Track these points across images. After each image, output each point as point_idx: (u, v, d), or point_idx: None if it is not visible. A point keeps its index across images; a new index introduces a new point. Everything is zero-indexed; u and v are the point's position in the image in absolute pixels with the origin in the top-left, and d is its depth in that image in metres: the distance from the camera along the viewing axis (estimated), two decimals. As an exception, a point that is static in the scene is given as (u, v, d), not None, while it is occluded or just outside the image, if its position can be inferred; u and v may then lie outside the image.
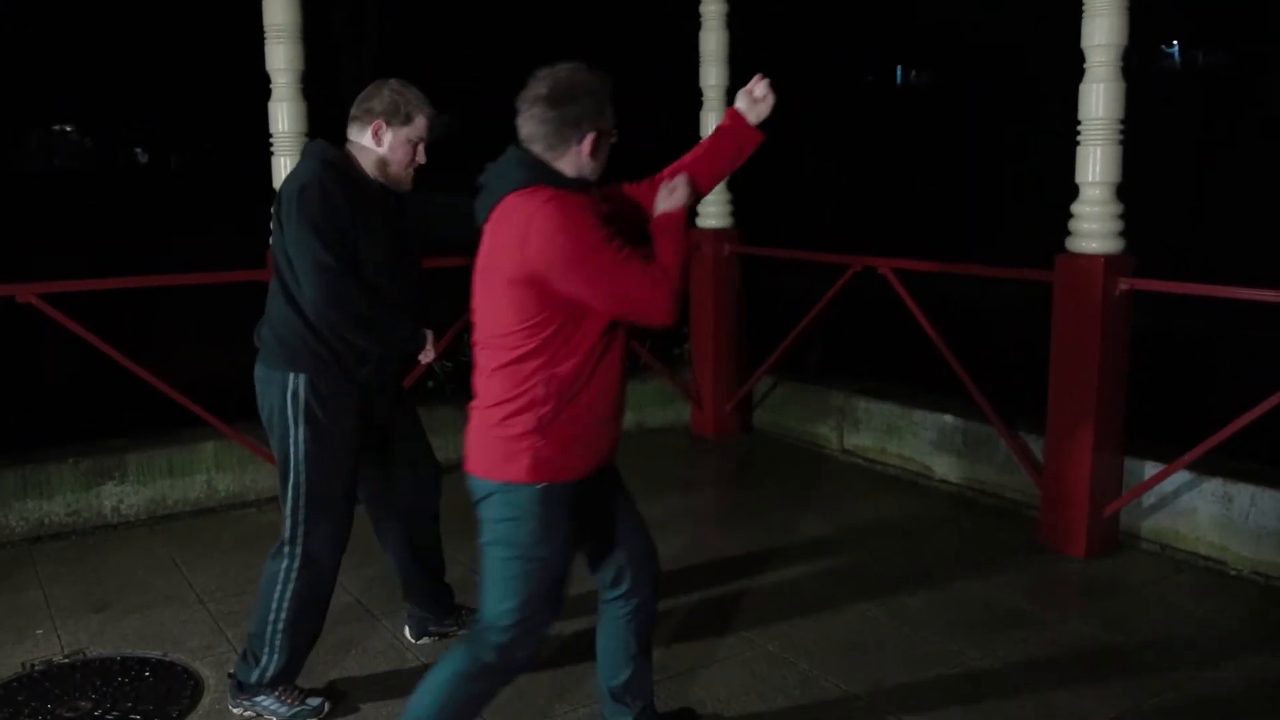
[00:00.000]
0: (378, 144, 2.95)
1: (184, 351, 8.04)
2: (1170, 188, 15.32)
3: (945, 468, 5.15)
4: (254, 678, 3.05)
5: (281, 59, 4.48)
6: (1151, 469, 4.23)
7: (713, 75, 5.73)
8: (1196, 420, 4.02)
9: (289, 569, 3.01)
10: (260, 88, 4.53)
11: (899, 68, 32.00)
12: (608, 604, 2.71)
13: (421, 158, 3.03)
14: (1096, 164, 4.05)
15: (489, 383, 2.39)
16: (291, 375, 2.93)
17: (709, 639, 3.54)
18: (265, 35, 4.47)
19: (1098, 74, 4.00)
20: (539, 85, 2.36)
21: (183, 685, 3.27)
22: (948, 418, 5.12)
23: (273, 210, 2.95)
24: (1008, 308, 7.27)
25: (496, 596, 2.42)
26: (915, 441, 5.28)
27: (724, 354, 5.96)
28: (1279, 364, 3.84)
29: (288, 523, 3.01)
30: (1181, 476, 4.18)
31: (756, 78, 2.72)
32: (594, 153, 2.40)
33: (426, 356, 3.17)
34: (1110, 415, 4.18)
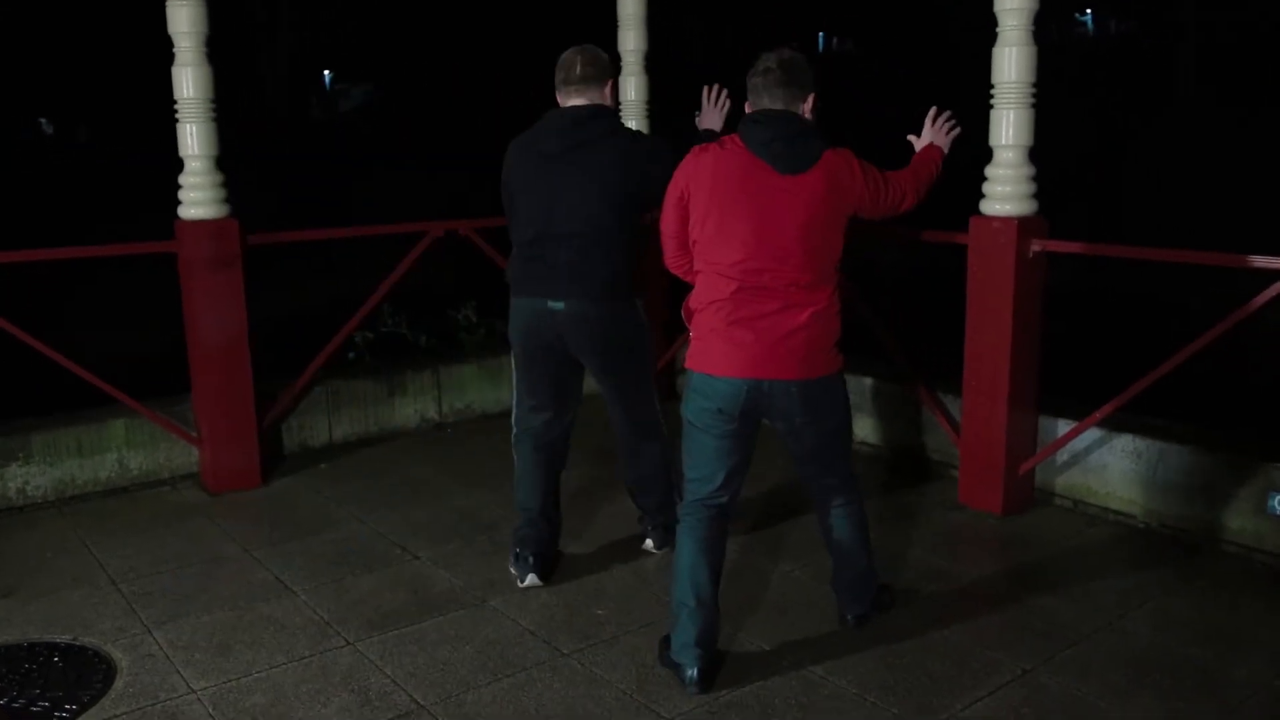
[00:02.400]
0: (613, 98, 3.54)
1: (97, 329, 7.82)
2: (1085, 152, 15.67)
3: (867, 430, 5.21)
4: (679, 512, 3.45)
5: (184, 21, 4.31)
6: (1064, 426, 4.32)
7: (631, 40, 5.65)
8: (1133, 378, 4.09)
9: (668, 435, 3.73)
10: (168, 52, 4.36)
11: (821, 34, 32.17)
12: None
13: None
14: (1009, 127, 4.10)
15: (829, 308, 3.07)
16: (638, 303, 3.55)
17: (634, 606, 3.55)
18: (167, -3, 4.31)
19: (1010, 38, 4.03)
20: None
21: (94, 670, 3.19)
22: (868, 380, 5.17)
23: (589, 171, 3.38)
24: (928, 269, 7.37)
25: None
26: (838, 405, 5.30)
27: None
28: (1200, 323, 3.93)
29: (655, 410, 3.75)
30: (1093, 434, 4.28)
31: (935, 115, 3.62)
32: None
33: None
34: (1024, 375, 4.26)
